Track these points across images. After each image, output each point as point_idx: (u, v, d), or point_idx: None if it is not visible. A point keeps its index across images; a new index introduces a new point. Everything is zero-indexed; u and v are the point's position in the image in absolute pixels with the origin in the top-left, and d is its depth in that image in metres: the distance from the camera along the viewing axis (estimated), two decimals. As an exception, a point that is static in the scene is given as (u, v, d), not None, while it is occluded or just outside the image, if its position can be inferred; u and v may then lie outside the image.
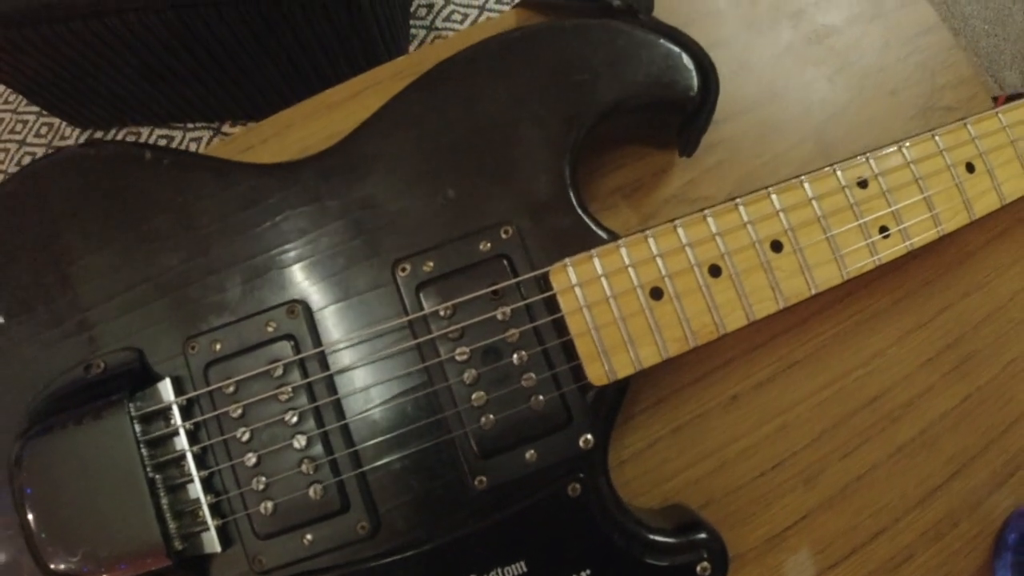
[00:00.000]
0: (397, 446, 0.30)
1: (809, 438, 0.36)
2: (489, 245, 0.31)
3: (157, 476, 0.29)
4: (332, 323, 0.31)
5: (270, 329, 0.31)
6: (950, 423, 0.39)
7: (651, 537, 0.31)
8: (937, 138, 0.35)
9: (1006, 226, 0.42)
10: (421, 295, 0.31)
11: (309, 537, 0.30)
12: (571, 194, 0.32)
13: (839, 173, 0.33)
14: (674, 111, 0.34)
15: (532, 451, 0.30)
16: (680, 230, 0.31)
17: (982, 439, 0.39)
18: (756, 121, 0.39)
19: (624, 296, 0.30)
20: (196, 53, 0.62)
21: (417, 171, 0.32)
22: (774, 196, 0.32)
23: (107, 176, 0.32)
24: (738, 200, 0.32)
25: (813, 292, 0.32)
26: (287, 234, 0.32)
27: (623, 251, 0.31)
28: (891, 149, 0.34)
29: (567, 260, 0.31)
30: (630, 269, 0.31)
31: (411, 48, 0.83)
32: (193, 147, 0.84)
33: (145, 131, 0.84)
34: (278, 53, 0.62)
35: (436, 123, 0.32)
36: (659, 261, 0.31)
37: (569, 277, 0.30)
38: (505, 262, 0.31)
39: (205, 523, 0.30)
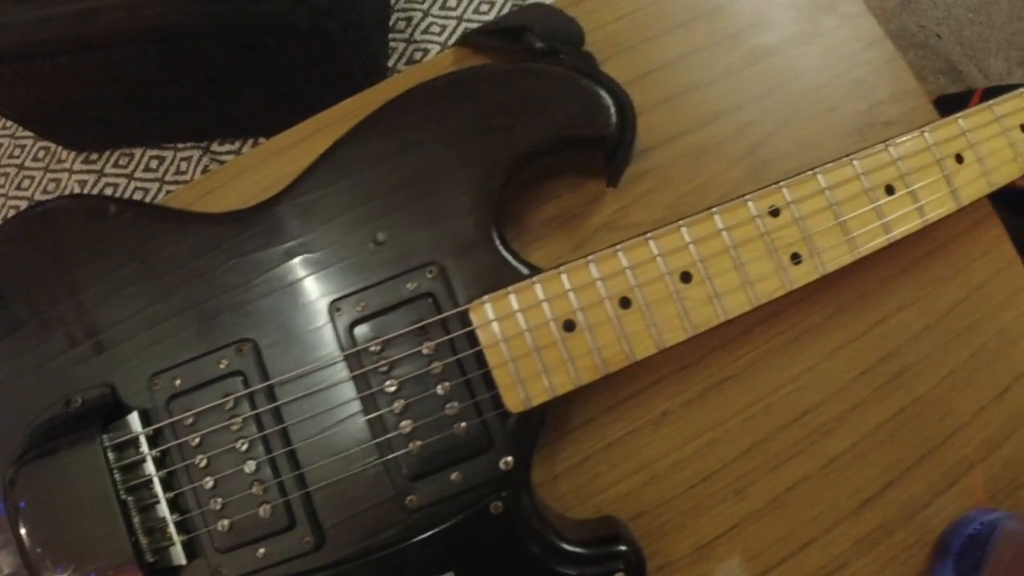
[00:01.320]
0: (337, 469, 0.33)
1: (738, 452, 0.38)
2: (415, 285, 0.33)
3: (129, 498, 0.33)
4: (278, 359, 0.34)
5: (222, 366, 0.34)
6: (884, 435, 0.39)
7: (570, 549, 0.33)
8: (855, 162, 0.35)
9: (947, 238, 0.42)
10: (354, 332, 0.33)
11: (262, 551, 0.33)
12: (494, 233, 0.34)
13: (751, 204, 0.34)
14: (595, 147, 0.35)
15: (457, 473, 0.32)
16: (592, 266, 0.33)
17: (918, 450, 0.40)
18: (689, 146, 0.40)
19: (539, 329, 0.32)
20: (180, 81, 0.65)
21: (350, 217, 0.34)
22: (684, 229, 0.33)
23: (80, 228, 0.36)
24: (649, 234, 0.33)
25: (722, 320, 0.33)
26: (236, 278, 0.34)
27: (537, 287, 0.32)
28: (806, 176, 0.34)
29: (485, 297, 0.33)
30: (544, 304, 0.32)
31: (391, 63, 0.85)
32: (184, 166, 0.89)
33: (138, 152, 0.88)
34: (258, 78, 0.65)
35: (367, 171, 0.34)
36: (571, 296, 0.32)
37: (487, 313, 0.32)
38: (430, 300, 0.33)
39: (172, 539, 0.33)
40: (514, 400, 0.32)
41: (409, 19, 0.87)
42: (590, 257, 0.33)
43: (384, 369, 0.33)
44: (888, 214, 0.35)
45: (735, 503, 0.37)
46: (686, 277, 0.33)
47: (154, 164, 0.86)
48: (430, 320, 0.33)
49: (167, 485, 0.33)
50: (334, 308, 0.33)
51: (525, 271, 0.33)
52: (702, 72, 0.41)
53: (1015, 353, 0.42)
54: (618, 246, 0.33)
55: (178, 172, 0.86)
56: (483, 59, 0.40)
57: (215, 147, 0.86)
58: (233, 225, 0.35)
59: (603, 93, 0.35)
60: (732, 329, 0.38)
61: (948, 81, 0.94)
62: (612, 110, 0.34)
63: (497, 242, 0.34)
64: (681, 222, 0.33)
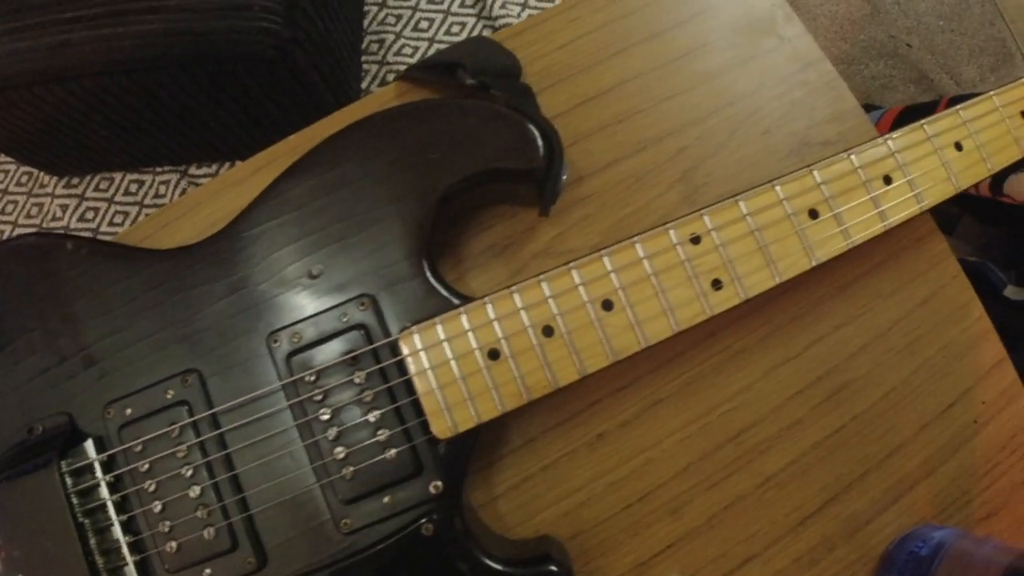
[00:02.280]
0: (277, 493, 0.34)
1: (674, 471, 0.38)
2: (348, 317, 0.34)
3: (86, 520, 0.34)
4: (221, 388, 0.35)
5: (168, 396, 0.35)
6: (822, 453, 0.39)
7: (500, 568, 0.33)
8: (778, 188, 0.35)
9: (888, 255, 0.42)
10: (291, 363, 0.34)
11: (208, 571, 0.34)
12: (424, 265, 0.34)
13: (672, 232, 0.34)
14: (523, 180, 0.36)
15: (389, 496, 0.33)
16: (516, 295, 0.33)
17: (859, 467, 0.39)
18: (625, 172, 0.40)
19: (464, 358, 0.33)
20: (153, 109, 0.67)
21: (287, 252, 0.35)
22: (606, 258, 0.34)
23: (41, 264, 0.37)
24: (571, 264, 0.34)
25: (643, 346, 0.33)
26: (183, 311, 0.36)
27: (463, 317, 0.33)
28: (728, 203, 0.35)
29: (413, 327, 0.33)
30: (469, 333, 0.33)
31: (364, 84, 0.86)
32: (162, 189, 0.91)
33: (118, 176, 0.90)
34: (229, 104, 0.67)
35: (303, 207, 0.35)
36: (496, 325, 0.33)
37: (415, 343, 0.33)
38: (362, 331, 0.34)
39: (126, 559, 0.34)
40: (441, 427, 0.33)
41: (382, 41, 0.88)
42: (514, 287, 0.33)
43: (319, 398, 0.34)
44: (812, 238, 0.35)
45: (672, 522, 0.37)
46: (607, 305, 0.33)
47: (133, 188, 0.89)
48: (361, 350, 0.33)
49: (121, 508, 0.35)
50: (272, 340, 0.34)
51: (454, 301, 0.34)
52: (639, 99, 0.41)
53: (961, 368, 0.42)
54: (541, 276, 0.33)
55: (157, 195, 0.89)
56: (424, 93, 0.40)
57: (193, 170, 0.88)
58: (179, 261, 0.36)
59: (530, 127, 0.35)
60: (668, 351, 0.39)
61: (919, 90, 0.93)
62: (539, 144, 0.35)
63: (428, 273, 0.34)
64: (603, 251, 0.34)
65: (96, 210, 0.89)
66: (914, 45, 0.89)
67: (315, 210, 0.35)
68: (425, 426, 0.33)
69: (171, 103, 0.66)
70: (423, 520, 0.33)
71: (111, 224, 0.87)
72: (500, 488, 0.37)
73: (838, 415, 0.39)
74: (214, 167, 0.86)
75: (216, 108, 0.67)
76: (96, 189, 0.90)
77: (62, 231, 0.89)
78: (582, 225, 0.39)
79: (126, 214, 0.88)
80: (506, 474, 0.37)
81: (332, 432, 0.33)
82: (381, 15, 0.88)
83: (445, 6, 0.90)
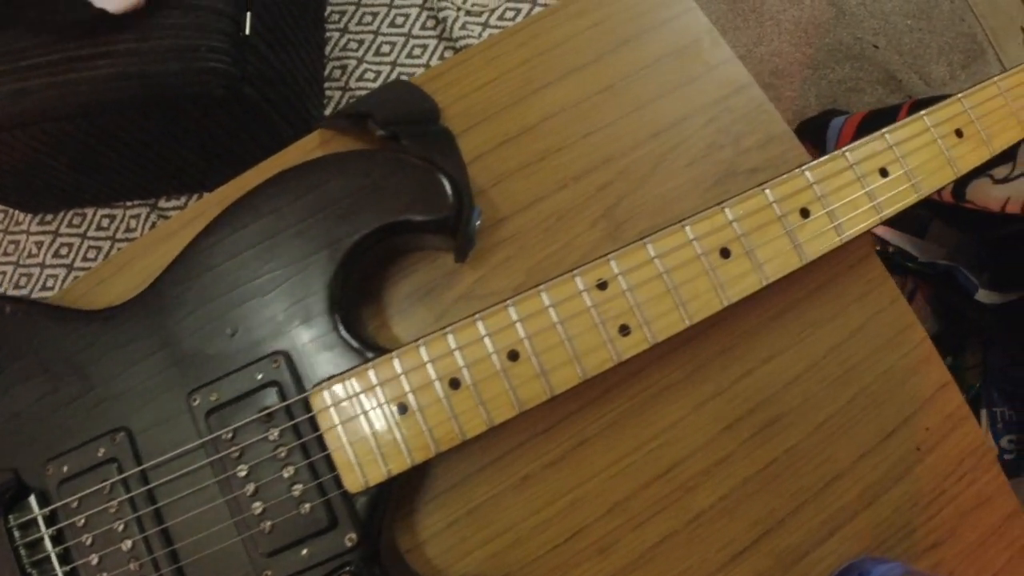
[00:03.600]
0: (204, 546, 0.34)
1: (601, 511, 0.36)
2: (262, 375, 0.34)
3: (33, 571, 0.35)
4: (148, 445, 0.35)
5: (100, 453, 0.35)
6: (755, 487, 0.37)
7: (419, 619, 0.33)
8: (687, 228, 0.33)
9: (821, 281, 0.40)
10: (210, 421, 0.34)
11: (143, 620, 0.34)
12: (335, 319, 0.34)
13: (578, 279, 0.33)
14: (433, 230, 0.35)
15: (306, 549, 0.33)
16: (422, 348, 0.32)
17: (794, 500, 0.38)
18: (547, 211, 0.39)
19: (373, 412, 0.32)
20: (116, 148, 0.68)
21: (206, 311, 0.35)
22: (511, 308, 0.32)
23: (-15, 329, 0.38)
24: (477, 315, 0.33)
25: (550, 395, 0.32)
26: (112, 370, 0.36)
27: (371, 373, 0.32)
28: (636, 246, 0.33)
29: (323, 383, 0.33)
30: (377, 388, 0.32)
31: (328, 111, 0.85)
32: (133, 224, 0.91)
33: (90, 212, 0.91)
34: (188, 141, 0.67)
35: (219, 265, 0.35)
36: (403, 379, 0.32)
37: (325, 399, 0.33)
38: (275, 389, 0.33)
39: (69, 608, 0.35)
40: (353, 481, 0.32)
41: (344, 67, 0.87)
42: (420, 340, 0.32)
43: (236, 455, 0.33)
44: (723, 277, 0.33)
45: (600, 561, 0.36)
46: (513, 355, 0.32)
47: (105, 223, 0.90)
48: (275, 408, 0.33)
49: (63, 560, 0.35)
50: (191, 398, 0.34)
51: (365, 355, 0.33)
52: (560, 135, 0.39)
53: (901, 395, 0.39)
54: (447, 328, 0.32)
55: (128, 230, 0.89)
56: (345, 141, 0.39)
57: (162, 203, 0.89)
58: (108, 321, 0.36)
59: (437, 177, 0.34)
60: (592, 390, 0.37)
61: (887, 91, 0.88)
62: (446, 194, 0.34)
63: (339, 328, 0.34)
64: (508, 301, 0.32)
65: (70, 246, 0.90)
66: (881, 46, 0.85)
67: (228, 269, 0.35)
68: (338, 480, 0.32)
69: (132, 142, 0.67)
70: (342, 571, 0.33)
71: (85, 259, 0.89)
72: (427, 532, 0.37)
73: (770, 448, 0.37)
74: (183, 199, 0.86)
75: (176, 145, 0.68)
76: (69, 225, 0.92)
77: (38, 267, 0.90)
78: (504, 267, 0.38)
79: (99, 249, 0.89)
80: (433, 518, 0.37)
81: (250, 488, 0.33)
82: (343, 41, 0.88)
83: (406, 29, 0.88)
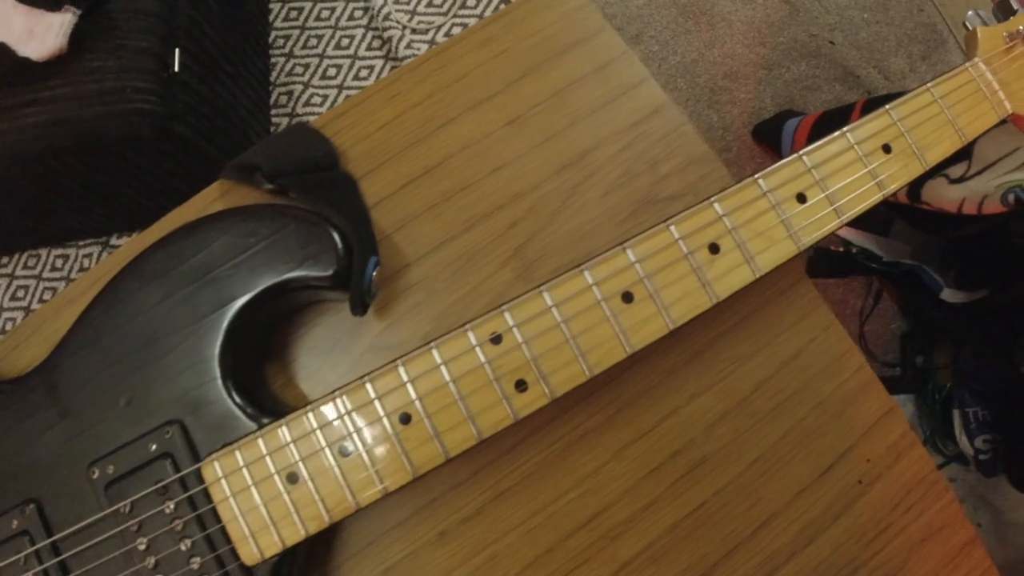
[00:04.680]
0: (111, 619, 0.32)
1: (522, 565, 0.34)
2: (155, 446, 0.32)
3: (-49, 648, 0.34)
4: (58, 517, 0.33)
5: (13, 525, 0.33)
6: (683, 532, 0.34)
7: None
8: (586, 273, 0.30)
9: (747, 312, 0.36)
10: (109, 493, 0.32)
11: None
12: (225, 387, 0.32)
13: (470, 333, 0.30)
14: (324, 287, 0.32)
15: (209, 624, 0.31)
16: (310, 415, 0.30)
17: (726, 544, 0.35)
18: (455, 253, 0.36)
19: (264, 483, 0.30)
20: (57, 192, 0.66)
21: (100, 382, 0.33)
22: (401, 368, 0.30)
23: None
24: (366, 377, 0.30)
25: (446, 459, 0.30)
26: (19, 442, 0.34)
27: (260, 442, 0.30)
28: (531, 295, 0.30)
29: (214, 455, 0.31)
30: (267, 458, 0.30)
31: None
32: (86, 263, 0.90)
33: (44, 252, 0.90)
34: (129, 181, 0.65)
35: (110, 335, 0.33)
36: (291, 448, 0.30)
37: (216, 471, 0.31)
38: (168, 460, 0.31)
39: None
40: (248, 554, 0.30)
41: (290, 93, 0.84)
42: (309, 407, 0.30)
43: (135, 528, 0.31)
44: (626, 323, 0.30)
45: (523, 616, 0.34)
46: (405, 418, 0.30)
47: (59, 263, 0.89)
48: (169, 480, 0.31)
49: (-20, 635, 0.34)
50: (91, 471, 0.32)
51: (253, 425, 0.31)
52: (466, 173, 0.37)
53: (839, 426, 0.36)
54: (336, 392, 0.30)
55: (82, 269, 0.88)
56: (244, 191, 0.37)
57: (114, 240, 0.87)
58: (15, 390, 0.34)
59: (326, 232, 0.32)
60: (508, 440, 0.35)
61: (845, 88, 0.82)
62: (336, 248, 0.31)
63: (229, 396, 0.31)
64: (399, 360, 0.30)
65: (26, 288, 0.89)
66: (837, 42, 0.79)
67: (120, 337, 0.33)
68: (235, 552, 0.30)
69: (72, 186, 0.65)
70: (245, 644, 0.31)
71: (41, 301, 0.88)
72: (346, 591, 0.35)
73: (698, 491, 0.35)
74: (134, 235, 0.85)
75: (117, 185, 0.66)
76: (25, 267, 0.91)
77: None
78: (412, 314, 0.35)
79: (54, 290, 0.88)
80: (351, 577, 0.35)
81: (151, 561, 0.31)
82: (288, 66, 0.85)
83: (352, 51, 0.85)
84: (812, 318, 0.36)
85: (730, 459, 0.35)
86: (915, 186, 0.55)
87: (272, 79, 0.84)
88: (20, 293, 0.91)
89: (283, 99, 0.83)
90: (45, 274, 0.89)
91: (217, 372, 0.31)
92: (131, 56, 0.57)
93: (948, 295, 0.59)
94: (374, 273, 0.33)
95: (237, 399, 0.31)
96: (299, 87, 0.83)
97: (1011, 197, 0.45)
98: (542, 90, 0.37)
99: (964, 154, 0.50)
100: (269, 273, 0.31)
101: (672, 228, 0.31)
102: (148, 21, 0.59)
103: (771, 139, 0.78)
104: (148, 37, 0.59)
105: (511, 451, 0.34)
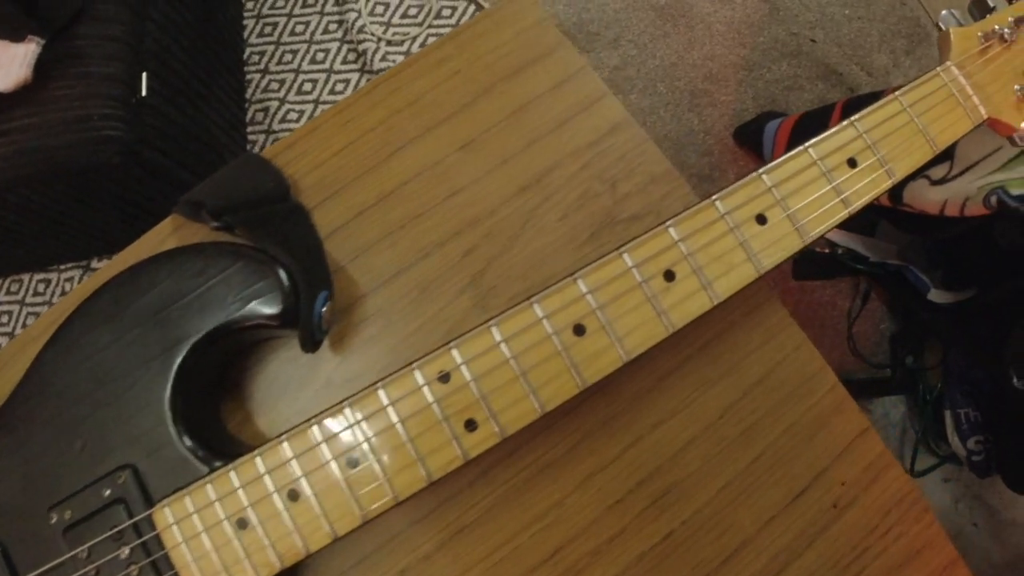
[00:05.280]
0: (73, 665, 0.32)
1: (486, 600, 0.33)
2: (109, 491, 0.31)
3: None
4: (23, 561, 0.32)
5: (-25, 568, 0.33)
6: (651, 563, 0.33)
7: None
8: (536, 306, 0.29)
9: (713, 334, 0.35)
10: (68, 538, 0.31)
11: None
12: (173, 430, 0.30)
13: (417, 372, 0.29)
14: (272, 325, 0.31)
15: (166, 670, 0.30)
16: (259, 459, 0.29)
17: (695, 574, 0.33)
18: (410, 283, 0.35)
19: (214, 529, 0.29)
20: (33, 220, 0.65)
21: (56, 426, 0.32)
22: (348, 409, 0.29)
23: None
24: (312, 420, 0.29)
25: (396, 502, 0.28)
26: (-21, 486, 0.34)
27: (208, 488, 0.29)
28: (480, 330, 0.29)
29: (165, 501, 0.30)
30: (216, 504, 0.29)
31: None
32: (67, 287, 0.89)
33: (26, 277, 0.90)
34: (102, 207, 0.63)
35: (61, 381, 0.32)
36: (241, 493, 0.29)
37: (167, 517, 0.30)
38: (122, 506, 0.31)
39: None
40: (201, 601, 0.29)
41: (266, 109, 0.82)
42: (257, 451, 0.29)
43: (93, 574, 0.31)
44: (578, 357, 0.29)
45: (489, 652, 0.33)
46: (353, 461, 0.28)
47: (41, 288, 0.88)
48: (123, 525, 0.30)
49: None
50: (50, 515, 0.32)
51: (205, 468, 0.30)
52: (421, 200, 0.35)
53: (811, 449, 0.35)
54: (283, 435, 0.29)
55: (63, 293, 0.87)
56: (195, 227, 0.36)
57: (95, 263, 0.86)
58: (-28, 435, 0.34)
59: (270, 270, 0.30)
60: (469, 473, 0.33)
61: (827, 86, 0.79)
62: (281, 287, 0.30)
63: (180, 439, 0.30)
64: (346, 402, 0.29)
65: (10, 313, 0.89)
66: (819, 40, 0.76)
67: (73, 381, 0.32)
68: (189, 599, 0.30)
69: (47, 213, 0.65)
70: None
71: (24, 326, 0.87)
72: (309, 630, 0.34)
73: (666, 520, 0.33)
74: (114, 257, 0.83)
75: (91, 211, 0.65)
76: (8, 292, 0.90)
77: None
78: (368, 347, 0.34)
79: (37, 314, 0.88)
80: (313, 616, 0.34)
81: (107, 607, 0.31)
82: (264, 82, 0.83)
83: (327, 65, 0.83)
84: (781, 338, 0.35)
85: (698, 487, 0.33)
86: (896, 188, 0.52)
87: (248, 96, 0.82)
88: (4, 319, 0.91)
89: (259, 116, 0.82)
90: (28, 299, 0.89)
91: (168, 415, 0.30)
92: (97, 83, 0.56)
93: (935, 295, 0.56)
94: (323, 309, 0.31)
95: (188, 442, 0.30)
96: (275, 103, 0.82)
97: (993, 199, 0.43)
98: (497, 111, 0.36)
99: (946, 155, 0.47)
100: (216, 314, 0.30)
101: (625, 256, 0.29)
102: (113, 46, 0.58)
103: (753, 142, 0.75)
104: (113, 63, 0.58)
105: (471, 485, 0.33)
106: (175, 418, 0.30)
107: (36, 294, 0.89)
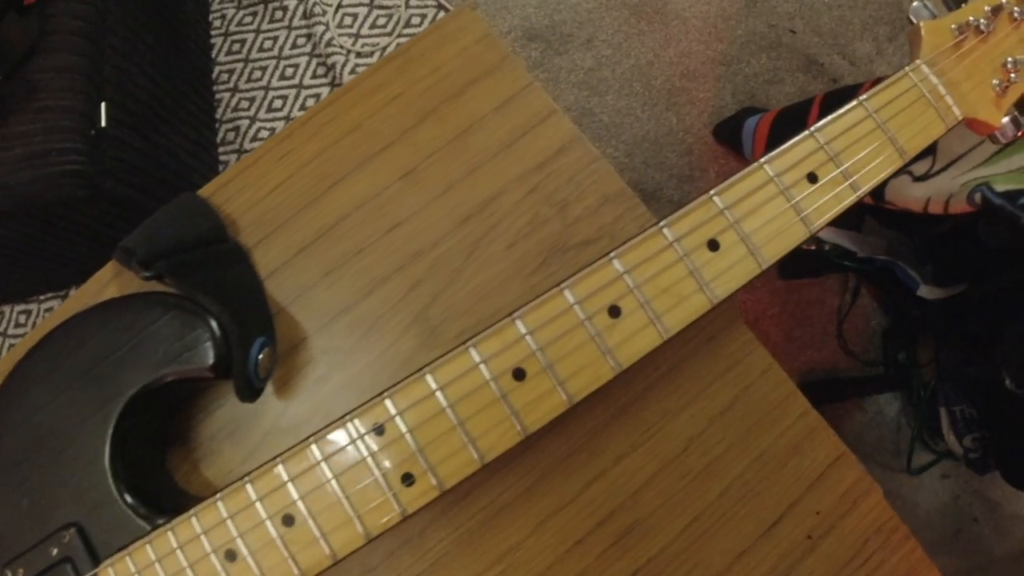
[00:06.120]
0: None
1: (445, 647, 0.31)
2: (56, 551, 0.29)
3: None
4: None
5: (-68, 631, 0.32)
6: (615, 605, 0.31)
7: None
8: (473, 351, 0.27)
9: (675, 362, 0.32)
10: (14, 600, 0.30)
11: None
12: (115, 487, 0.29)
13: (351, 424, 0.27)
14: (208, 376, 0.29)
15: None
16: (194, 519, 0.27)
17: (663, 613, 0.31)
18: (356, 321, 0.32)
19: (154, 592, 0.28)
20: (5, 255, 0.64)
21: (1, 485, 0.31)
22: (281, 467, 0.27)
23: None
24: (247, 478, 0.27)
25: (334, 560, 0.26)
26: (-70, 546, 0.32)
27: (148, 548, 0.27)
28: (414, 378, 0.27)
29: (108, 561, 0.28)
30: (156, 564, 0.27)
31: None
32: (48, 316, 0.85)
33: (7, 309, 0.89)
34: (73, 238, 0.62)
35: (4, 439, 0.31)
36: (179, 553, 0.27)
37: (107, 579, 0.28)
38: (69, 566, 0.29)
39: None
40: (145, 664, 0.28)
41: (237, 129, 0.79)
42: (193, 511, 0.27)
43: (41, 635, 0.30)
44: (519, 403, 0.26)
45: None
46: (288, 520, 0.26)
47: (23, 319, 0.87)
48: (67, 586, 0.29)
49: None
50: (4, 573, 0.31)
51: (147, 526, 0.28)
52: (362, 234, 0.33)
53: (783, 479, 0.32)
54: (218, 495, 0.27)
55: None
56: (131, 274, 0.34)
57: (72, 292, 0.85)
58: (-77, 493, 0.33)
59: (199, 322, 0.28)
60: (419, 520, 0.31)
61: (809, 78, 0.74)
62: (211, 339, 0.28)
63: (119, 498, 0.29)
64: (279, 458, 0.27)
65: None
66: (798, 30, 0.71)
67: (16, 440, 0.30)
68: (134, 661, 0.28)
69: (18, 248, 0.63)
70: None
71: None
72: (271, 677, 0.32)
73: (629, 560, 0.31)
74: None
75: (62, 244, 0.63)
76: None
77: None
78: (314, 390, 0.32)
79: None
80: (274, 663, 0.32)
81: (57, 669, 0.29)
82: (234, 101, 0.81)
83: (297, 80, 0.81)
84: (746, 363, 0.32)
85: (663, 523, 0.31)
86: (878, 188, 0.49)
87: (218, 116, 0.80)
88: (-14, 352, 0.91)
89: (230, 136, 0.80)
90: (10, 331, 0.89)
91: (108, 473, 0.29)
92: (55, 116, 0.55)
93: (925, 292, 0.53)
94: (260, 356, 0.29)
95: (130, 500, 0.29)
96: (246, 122, 0.79)
97: (977, 196, 0.39)
98: (439, 136, 0.33)
99: (928, 149, 0.44)
100: (147, 369, 0.28)
101: (566, 292, 0.26)
102: (71, 78, 0.56)
103: (733, 139, 0.72)
104: (71, 95, 0.56)
105: (422, 533, 0.31)
106: (115, 475, 0.29)
107: (18, 325, 0.89)
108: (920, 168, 0.45)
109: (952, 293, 0.51)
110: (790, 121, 0.58)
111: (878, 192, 0.49)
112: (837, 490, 0.32)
